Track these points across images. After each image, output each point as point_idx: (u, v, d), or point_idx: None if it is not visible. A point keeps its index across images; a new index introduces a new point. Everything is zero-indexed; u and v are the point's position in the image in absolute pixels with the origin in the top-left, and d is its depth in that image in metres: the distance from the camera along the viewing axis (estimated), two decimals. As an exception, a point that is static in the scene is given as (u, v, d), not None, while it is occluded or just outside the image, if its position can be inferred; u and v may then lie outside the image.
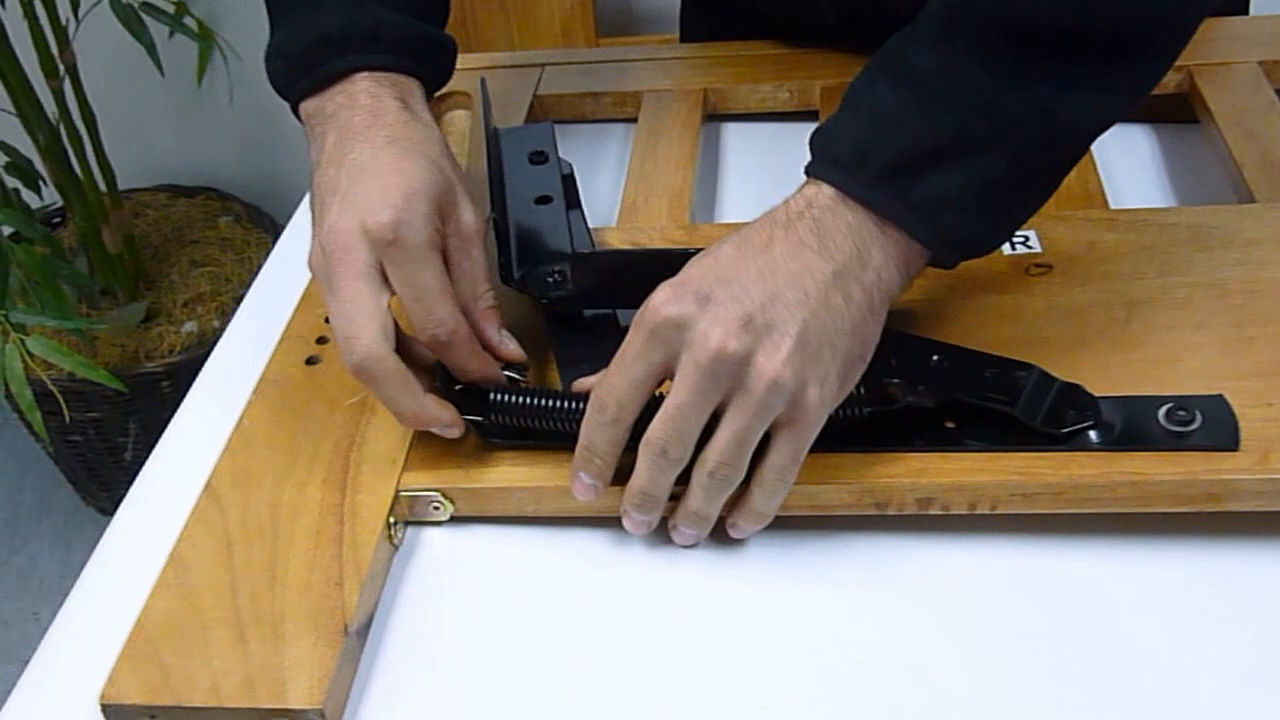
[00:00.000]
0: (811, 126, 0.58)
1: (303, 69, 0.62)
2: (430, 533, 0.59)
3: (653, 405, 0.52)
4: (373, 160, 0.57)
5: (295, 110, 0.64)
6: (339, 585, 0.53)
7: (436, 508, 0.58)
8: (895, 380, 0.55)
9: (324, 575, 0.53)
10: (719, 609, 0.54)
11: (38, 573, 1.78)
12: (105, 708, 0.50)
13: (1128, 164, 0.80)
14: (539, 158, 0.72)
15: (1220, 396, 0.55)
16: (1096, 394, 0.55)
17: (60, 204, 1.66)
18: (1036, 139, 0.53)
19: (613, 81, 0.91)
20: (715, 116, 0.90)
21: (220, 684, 0.49)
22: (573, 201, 0.69)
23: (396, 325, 0.56)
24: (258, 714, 0.49)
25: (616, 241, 0.71)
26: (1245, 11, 0.94)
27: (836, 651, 0.52)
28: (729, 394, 0.50)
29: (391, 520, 0.56)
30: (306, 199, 0.65)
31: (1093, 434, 0.54)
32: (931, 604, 0.53)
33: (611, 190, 0.82)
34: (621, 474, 0.54)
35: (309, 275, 0.62)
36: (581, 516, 0.57)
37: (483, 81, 0.76)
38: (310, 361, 0.65)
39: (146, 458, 0.65)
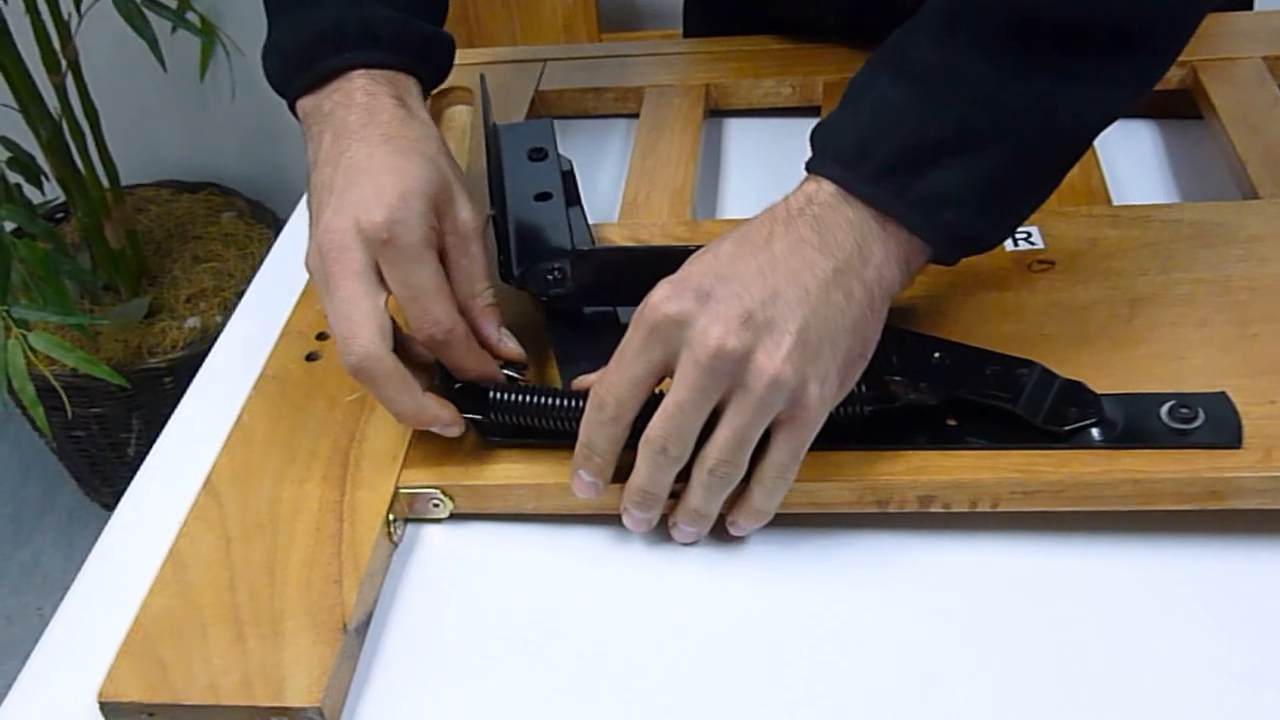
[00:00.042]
0: (814, 122, 0.58)
1: (299, 66, 0.62)
2: (430, 530, 0.59)
3: (652, 403, 0.52)
4: (368, 159, 0.57)
5: (292, 108, 0.63)
6: (338, 583, 0.53)
7: (436, 505, 0.58)
8: (896, 378, 0.55)
9: (323, 573, 0.53)
10: (719, 607, 0.54)
11: (41, 568, 1.78)
12: (103, 705, 0.50)
13: (1131, 160, 0.80)
14: (538, 154, 0.71)
15: (1223, 394, 0.55)
16: (1098, 391, 0.55)
17: (63, 199, 1.66)
18: (1038, 134, 0.53)
19: (614, 77, 0.91)
20: (717, 112, 0.90)
21: (218, 682, 0.49)
22: (572, 198, 0.69)
23: (395, 324, 0.56)
24: (256, 712, 0.49)
25: (618, 237, 0.71)
26: (1250, 6, 0.94)
27: (837, 649, 0.52)
28: (729, 392, 0.50)
29: (391, 517, 0.56)
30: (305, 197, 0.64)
31: (1095, 431, 0.54)
32: (932, 602, 0.53)
33: (613, 186, 0.82)
34: (622, 471, 0.54)
35: (308, 273, 0.61)
36: (581, 514, 0.57)
37: (482, 78, 0.76)
38: (310, 358, 0.65)
39: (149, 453, 0.65)
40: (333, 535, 0.55)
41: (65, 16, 1.49)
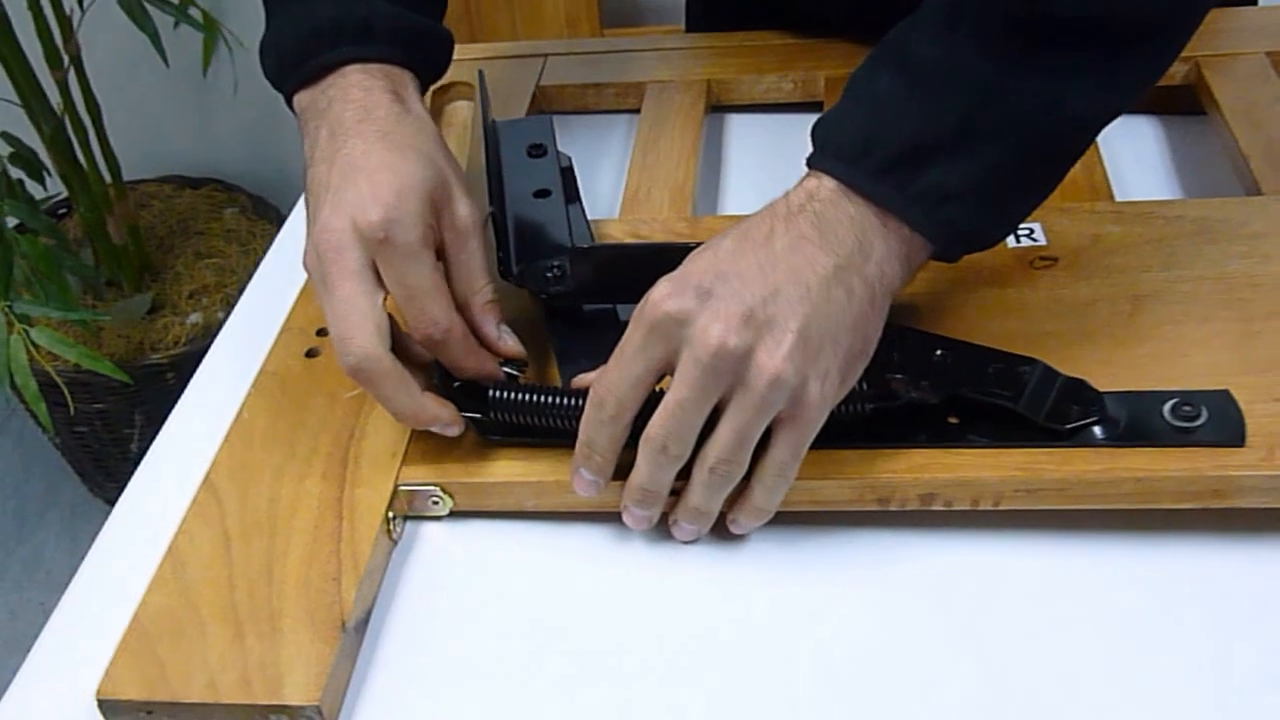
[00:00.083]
0: (816, 118, 0.57)
1: (295, 61, 0.62)
2: (429, 528, 0.59)
3: (653, 401, 0.52)
4: (364, 157, 0.56)
5: (289, 102, 0.63)
6: (336, 581, 0.52)
7: (436, 502, 0.58)
8: (898, 375, 0.55)
9: (322, 571, 0.53)
10: (719, 605, 0.54)
11: (44, 564, 1.79)
12: (101, 703, 0.50)
13: (1134, 156, 0.80)
14: (537, 151, 0.71)
15: (1226, 392, 0.55)
16: (1101, 389, 0.55)
17: (65, 195, 1.66)
18: (1039, 130, 0.53)
19: (616, 72, 0.90)
20: (719, 108, 0.90)
21: (217, 680, 0.49)
22: (572, 195, 0.69)
23: (394, 323, 0.55)
24: (254, 710, 0.49)
25: (618, 233, 0.71)
26: (1254, 1, 0.93)
27: (837, 648, 0.52)
28: (730, 390, 0.50)
29: (390, 515, 0.56)
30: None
31: (1097, 430, 0.54)
32: (933, 600, 0.53)
33: (614, 182, 0.82)
34: (622, 469, 0.54)
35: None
36: (581, 512, 0.57)
37: (481, 74, 0.76)
38: (310, 354, 0.65)
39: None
40: (332, 533, 0.55)
41: (67, 12, 1.49)
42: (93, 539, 0.60)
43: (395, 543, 0.57)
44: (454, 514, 0.59)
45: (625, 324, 0.52)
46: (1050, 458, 0.53)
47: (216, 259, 1.76)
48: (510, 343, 0.59)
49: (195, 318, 1.67)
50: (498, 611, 0.54)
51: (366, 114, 0.59)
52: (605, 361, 0.52)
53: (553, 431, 0.56)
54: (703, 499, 0.53)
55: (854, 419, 0.54)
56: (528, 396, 0.55)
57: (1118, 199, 0.72)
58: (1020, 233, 0.66)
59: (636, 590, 0.55)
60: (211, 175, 1.92)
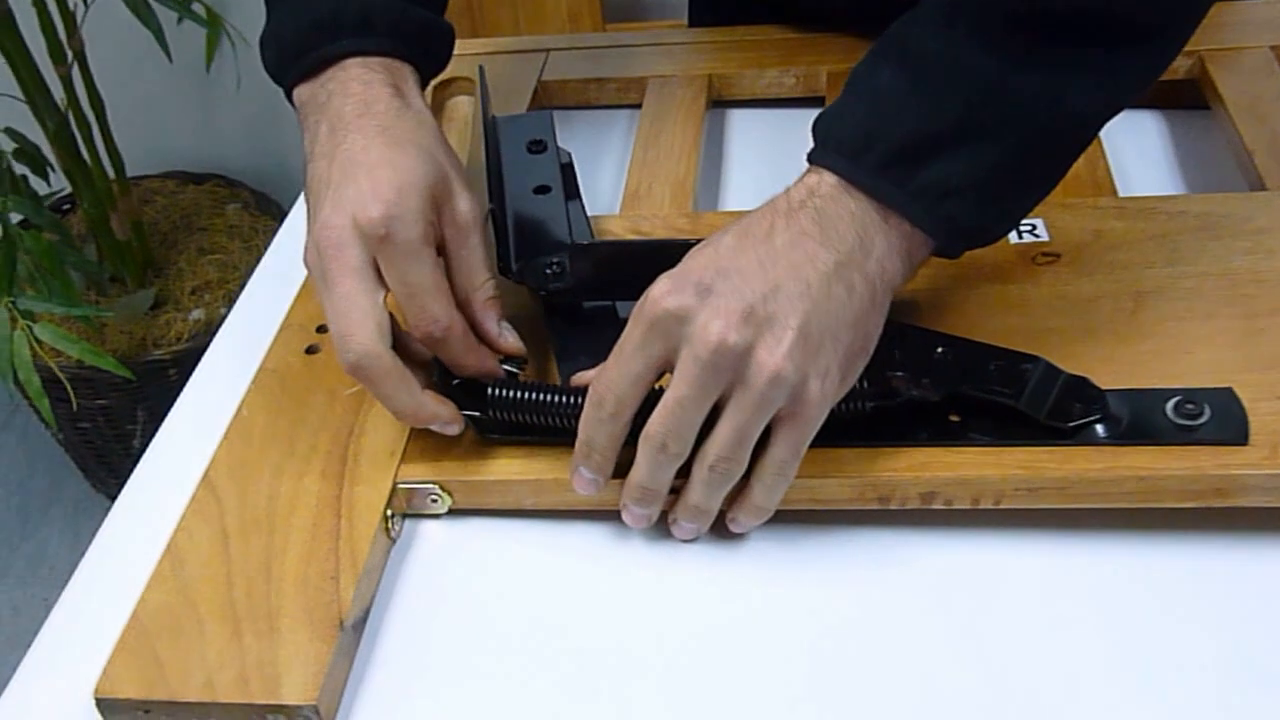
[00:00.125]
0: (817, 113, 0.57)
1: (295, 54, 0.61)
2: (428, 526, 0.59)
3: (652, 398, 0.51)
4: (364, 152, 0.56)
5: (289, 96, 0.63)
6: (335, 579, 0.52)
7: (435, 500, 0.58)
8: (898, 373, 0.54)
9: (320, 569, 0.53)
10: (719, 603, 0.54)
11: (47, 560, 1.79)
12: (99, 702, 0.50)
13: (1137, 151, 0.79)
14: (537, 147, 0.71)
15: (1229, 389, 0.54)
16: (1103, 386, 0.55)
17: (69, 191, 1.66)
18: (1040, 125, 0.52)
19: (617, 67, 0.90)
20: (720, 103, 0.89)
21: (215, 679, 0.49)
22: (572, 191, 0.69)
23: (394, 320, 0.55)
24: (252, 709, 0.48)
25: (619, 229, 0.71)
26: (1258, -5, 0.93)
27: (837, 646, 0.51)
28: (729, 388, 0.50)
29: (389, 513, 0.56)
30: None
31: (1099, 428, 0.54)
32: (934, 599, 0.53)
33: (615, 178, 0.81)
34: (621, 467, 0.53)
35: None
36: (580, 510, 0.57)
37: (481, 69, 0.75)
38: (310, 350, 0.65)
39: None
40: (330, 531, 0.55)
41: (71, 7, 1.49)
42: (95, 535, 0.60)
43: (394, 541, 0.57)
44: (453, 512, 0.58)
45: (625, 321, 0.52)
46: (1052, 456, 0.53)
47: (219, 255, 1.75)
48: (511, 339, 0.58)
49: (198, 314, 1.67)
50: (496, 610, 0.54)
51: (366, 108, 0.58)
52: (605, 359, 0.52)
53: (552, 430, 0.55)
54: (702, 497, 0.53)
55: (854, 417, 0.54)
56: (527, 395, 0.55)
57: (1121, 194, 0.72)
58: (1022, 228, 0.66)
59: (636, 589, 0.55)
60: (214, 171, 1.92)
